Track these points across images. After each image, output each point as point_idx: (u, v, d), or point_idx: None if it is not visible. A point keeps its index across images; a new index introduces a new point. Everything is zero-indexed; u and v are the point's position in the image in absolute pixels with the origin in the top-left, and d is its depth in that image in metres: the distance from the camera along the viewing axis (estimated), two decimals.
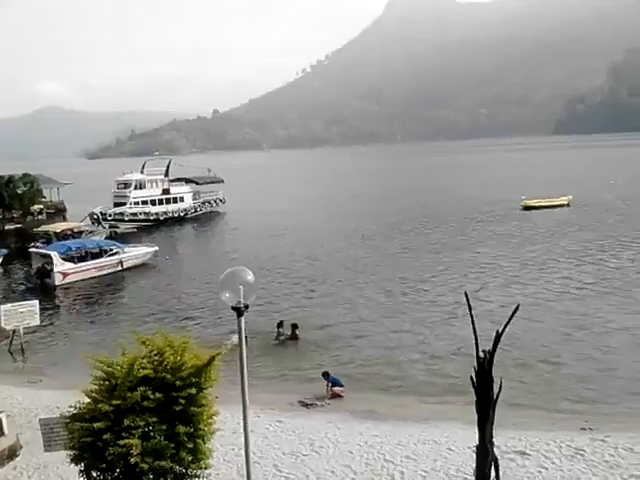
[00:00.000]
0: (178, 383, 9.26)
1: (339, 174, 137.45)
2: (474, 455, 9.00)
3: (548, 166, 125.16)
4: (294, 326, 24.80)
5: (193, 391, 9.29)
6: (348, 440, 14.89)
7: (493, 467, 8.74)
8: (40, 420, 12.51)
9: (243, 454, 9.50)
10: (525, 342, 22.19)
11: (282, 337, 24.58)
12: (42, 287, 37.55)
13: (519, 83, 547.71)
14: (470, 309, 9.01)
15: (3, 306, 25.35)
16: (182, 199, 73.46)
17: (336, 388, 18.68)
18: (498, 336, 8.52)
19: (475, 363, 8.61)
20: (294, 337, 24.54)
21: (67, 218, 64.98)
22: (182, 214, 71.64)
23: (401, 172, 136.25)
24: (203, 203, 76.30)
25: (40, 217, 64.07)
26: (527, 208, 60.61)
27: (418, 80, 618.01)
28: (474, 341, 8.64)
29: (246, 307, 8.68)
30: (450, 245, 44.56)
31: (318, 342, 24.37)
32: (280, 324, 24.90)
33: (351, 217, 61.58)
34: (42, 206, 68.05)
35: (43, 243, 46.98)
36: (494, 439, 8.76)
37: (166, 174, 75.11)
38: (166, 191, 72.35)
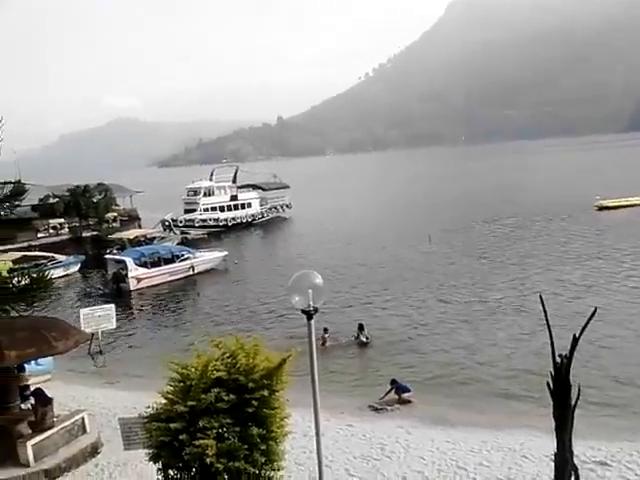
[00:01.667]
0: (251, 385, 9.37)
1: (403, 177, 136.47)
2: (551, 464, 8.73)
3: (622, 164, 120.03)
4: (361, 328, 24.80)
5: (265, 393, 9.39)
6: (419, 446, 14.73)
7: (573, 477, 8.45)
8: (119, 419, 12.93)
9: (314, 457, 9.53)
10: (603, 347, 21.38)
11: (359, 340, 24.57)
12: (118, 292, 38.90)
13: (587, 80, 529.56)
14: (545, 312, 8.76)
15: (82, 310, 26.46)
16: (250, 205, 74.69)
17: (405, 394, 18.53)
18: (575, 340, 8.24)
19: (551, 368, 8.35)
20: (365, 341, 24.51)
21: (142, 225, 67.05)
22: (250, 220, 72.83)
23: (466, 174, 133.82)
24: (270, 209, 77.34)
25: (114, 224, 66.31)
26: (602, 208, 58.37)
27: (481, 80, 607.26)
28: (550, 345, 8.38)
29: (315, 310, 8.70)
30: (520, 248, 43.44)
31: (387, 346, 24.22)
32: (360, 328, 24.92)
33: (417, 221, 61.04)
34: (116, 214, 70.46)
35: (118, 250, 48.63)
36: (573, 448, 8.47)
37: (234, 181, 76.63)
38: (234, 197, 73.77)
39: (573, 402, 8.33)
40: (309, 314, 8.68)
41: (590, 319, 8.12)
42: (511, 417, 16.96)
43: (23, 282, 13.83)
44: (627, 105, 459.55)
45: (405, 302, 31.13)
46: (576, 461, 8.49)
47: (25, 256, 42.90)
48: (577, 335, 8.29)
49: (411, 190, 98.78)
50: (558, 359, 8.34)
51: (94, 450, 14.89)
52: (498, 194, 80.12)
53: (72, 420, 15.08)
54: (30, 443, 13.80)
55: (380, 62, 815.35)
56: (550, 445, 8.70)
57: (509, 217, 58.42)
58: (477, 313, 28.16)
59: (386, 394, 18.55)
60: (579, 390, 8.26)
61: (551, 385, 8.44)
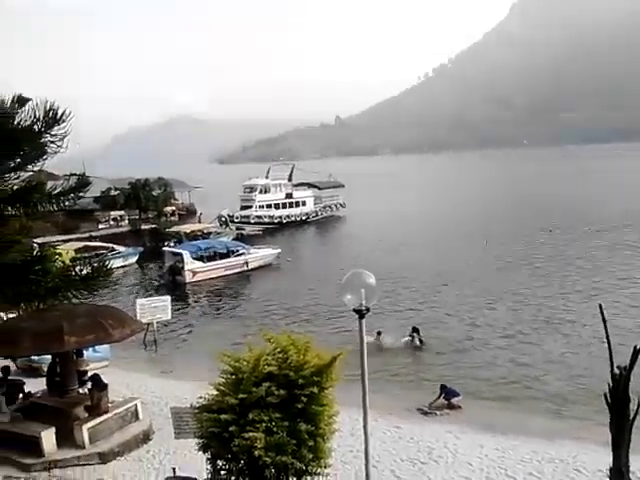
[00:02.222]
0: (301, 381, 9.43)
1: (461, 180, 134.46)
2: (605, 479, 8.47)
3: None
4: (416, 331, 24.63)
5: (315, 390, 9.43)
6: (467, 451, 14.52)
7: None
8: (171, 409, 13.22)
9: (361, 456, 9.53)
10: None
11: (414, 343, 24.41)
12: (173, 284, 39.73)
13: None
14: (604, 322, 8.50)
15: (139, 300, 27.20)
16: (304, 203, 75.07)
17: (454, 399, 18.30)
18: (636, 352, 7.97)
19: (610, 380, 8.10)
20: (419, 345, 24.34)
21: (201, 219, 68.22)
22: (304, 218, 73.23)
23: (527, 178, 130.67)
24: (324, 207, 77.51)
25: (172, 218, 67.71)
26: None
27: (545, 83, 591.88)
28: (609, 356, 8.13)
29: (367, 310, 8.69)
30: (580, 255, 42.19)
31: (440, 350, 23.99)
32: (415, 331, 24.77)
33: (474, 224, 60.03)
34: (174, 208, 71.96)
35: (175, 243, 49.63)
36: (630, 464, 8.19)
37: (289, 179, 77.19)
38: (289, 195, 74.31)
39: (632, 415, 8.07)
40: (361, 313, 8.67)
41: None
42: (564, 428, 16.51)
43: (85, 271, 14.27)
44: None
45: (459, 306, 30.70)
46: (632, 477, 8.23)
47: (86, 246, 44.25)
48: (638, 347, 8.03)
49: (468, 193, 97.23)
50: (617, 371, 8.10)
51: (146, 437, 15.29)
52: (560, 200, 78.05)
53: (126, 407, 15.53)
54: (86, 426, 14.29)
55: (441, 62, 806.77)
56: (605, 459, 8.43)
57: (571, 224, 56.76)
58: (533, 321, 27.50)
59: (436, 399, 18.36)
60: (639, 403, 8.00)
61: (609, 397, 8.19)
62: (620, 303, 28.92)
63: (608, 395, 8.19)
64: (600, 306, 9.61)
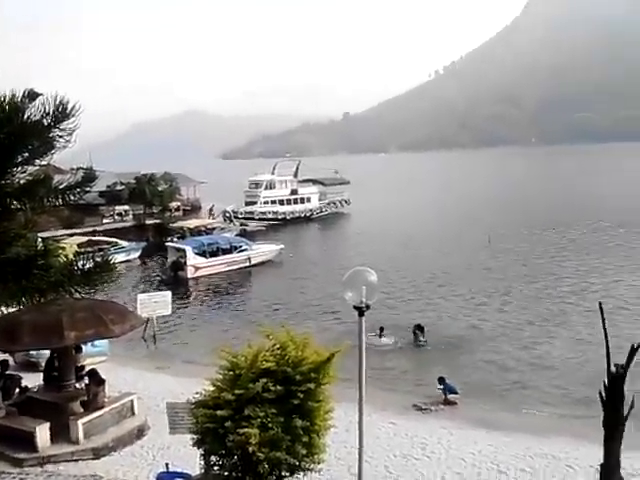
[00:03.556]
0: (298, 377, 9.47)
1: (468, 178, 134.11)
2: (597, 475, 8.50)
3: None
4: (420, 329, 24.63)
5: (312, 386, 9.48)
6: (461, 447, 14.59)
7: None
8: (167, 404, 13.27)
9: (355, 452, 9.55)
10: None
11: (417, 341, 24.40)
12: (175, 279, 39.77)
13: None
14: (603, 321, 8.55)
15: (140, 295, 27.21)
16: (309, 200, 75.06)
17: (451, 396, 18.33)
18: (633, 350, 8.00)
19: (605, 377, 8.11)
20: (422, 343, 24.35)
21: (213, 213, 68.20)
22: (308, 214, 73.22)
23: (534, 176, 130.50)
24: (329, 204, 77.48)
25: (177, 214, 67.78)
26: None
27: (554, 81, 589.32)
28: (606, 354, 8.14)
29: (367, 307, 8.71)
30: (585, 254, 42.09)
31: (439, 346, 24.02)
32: (419, 328, 24.75)
33: (478, 221, 59.93)
34: (179, 203, 72.02)
35: (178, 238, 49.71)
36: (620, 459, 8.21)
37: (295, 175, 77.19)
38: (294, 192, 74.30)
39: (625, 413, 8.08)
40: (361, 310, 8.70)
41: None
42: (558, 424, 16.64)
43: (87, 265, 14.30)
44: None
45: (460, 303, 30.81)
46: (623, 473, 8.24)
47: (90, 240, 44.30)
48: (636, 345, 8.04)
49: (473, 191, 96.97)
50: (614, 369, 8.12)
51: (141, 432, 15.36)
52: (567, 198, 77.93)
53: (122, 402, 15.59)
54: (81, 421, 14.35)
55: (452, 59, 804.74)
56: (597, 455, 8.46)
57: (576, 222, 56.63)
58: (533, 318, 27.60)
59: (440, 392, 18.36)
60: (632, 401, 8.02)
61: (604, 395, 8.21)
62: (620, 302, 28.93)
63: (603, 392, 8.21)
64: (600, 305, 9.63)
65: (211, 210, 69.13)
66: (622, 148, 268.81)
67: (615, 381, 8.14)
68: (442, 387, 18.45)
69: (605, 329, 8.36)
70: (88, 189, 14.62)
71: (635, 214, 58.20)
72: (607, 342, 8.27)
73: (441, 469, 13.41)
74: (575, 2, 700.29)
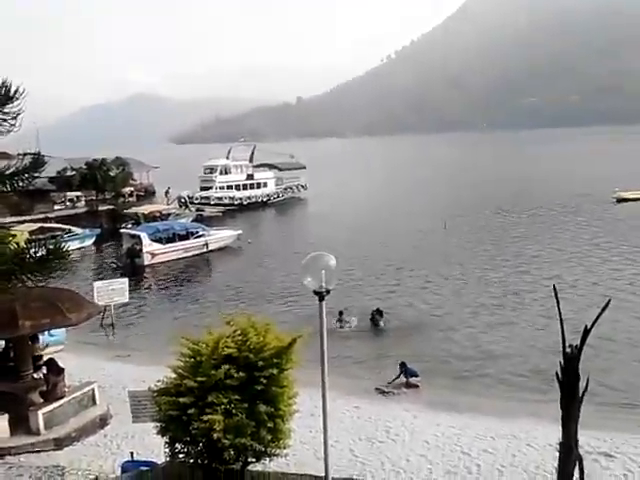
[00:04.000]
0: (260, 363, 9.49)
1: (421, 162, 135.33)
2: (555, 453, 8.75)
3: None
4: (380, 313, 24.87)
5: (274, 371, 9.50)
6: (424, 430, 14.84)
7: (577, 466, 8.47)
8: (129, 392, 13.12)
9: (320, 437, 9.62)
10: (614, 339, 21.30)
11: (377, 325, 24.63)
12: (132, 266, 39.16)
13: (613, 70, 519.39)
14: (558, 303, 8.71)
15: (96, 283, 26.77)
16: (265, 185, 74.63)
17: (412, 379, 18.61)
18: (587, 331, 8.21)
19: (561, 358, 8.34)
20: (382, 326, 24.59)
21: (169, 196, 67.02)
22: (265, 199, 72.86)
23: (485, 161, 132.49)
24: (285, 189, 77.22)
25: (130, 199, 66.57)
26: (620, 200, 57.82)
27: (504, 67, 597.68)
28: (561, 336, 8.36)
29: (327, 292, 8.71)
30: (538, 238, 43.06)
31: (399, 330, 24.31)
32: (378, 312, 24.97)
33: (433, 206, 60.73)
34: (132, 188, 70.69)
35: (133, 224, 48.89)
36: (578, 438, 8.48)
37: (250, 160, 76.60)
38: (250, 176, 73.76)
39: (581, 393, 8.33)
40: (321, 295, 8.68)
41: (603, 311, 8.08)
42: (518, 405, 17.04)
43: (40, 253, 13.97)
44: None
45: (419, 287, 31.17)
46: (581, 451, 8.51)
47: (42, 227, 43.28)
48: (589, 326, 8.26)
49: (428, 175, 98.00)
50: (568, 350, 8.33)
51: (103, 421, 15.18)
52: (516, 183, 79.31)
53: (82, 391, 15.36)
54: (41, 412, 14.08)
55: (403, 45, 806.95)
56: (555, 434, 8.72)
57: (526, 206, 57.86)
58: (490, 301, 28.14)
59: (396, 377, 18.64)
60: (587, 381, 8.26)
61: (560, 375, 8.43)
62: (573, 284, 29.79)
63: (559, 373, 8.43)
64: (554, 287, 9.88)
65: (167, 193, 68.10)
66: (569, 133, 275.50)
67: (570, 362, 8.34)
68: (403, 371, 18.70)
69: (560, 311, 8.53)
70: (37, 175, 14.29)
71: (583, 199, 60.01)
72: (562, 324, 8.45)
73: (405, 451, 13.62)
74: None
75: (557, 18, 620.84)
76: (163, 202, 64.20)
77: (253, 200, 71.12)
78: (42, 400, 14.45)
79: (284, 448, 9.70)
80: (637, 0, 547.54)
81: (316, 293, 8.69)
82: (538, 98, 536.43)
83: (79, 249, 44.44)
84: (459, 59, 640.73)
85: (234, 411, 9.17)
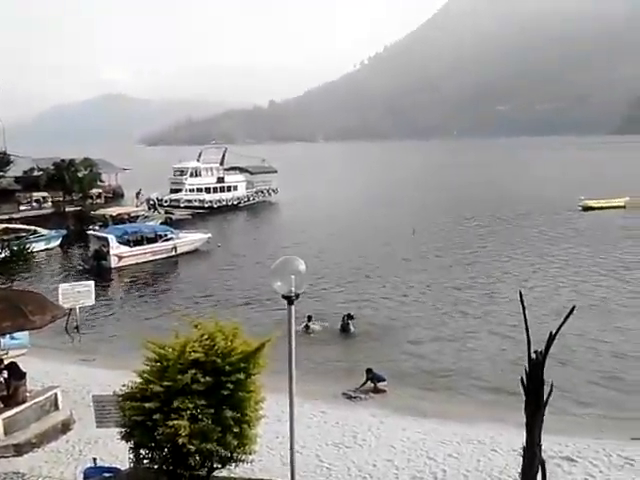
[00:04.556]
0: (227, 368, 9.39)
1: (393, 168, 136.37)
2: (519, 458, 8.83)
3: (610, 166, 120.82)
4: (350, 317, 24.88)
5: (242, 376, 9.41)
6: (391, 435, 14.88)
7: (539, 471, 8.57)
8: (93, 397, 12.90)
9: (287, 442, 9.58)
10: (577, 346, 21.70)
11: (348, 329, 24.57)
12: (98, 269, 38.58)
13: (582, 81, 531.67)
14: (524, 308, 8.79)
15: (61, 285, 26.31)
16: (236, 188, 74.30)
17: (380, 384, 18.67)
18: (552, 337, 8.30)
19: (526, 364, 8.44)
20: (352, 331, 24.59)
21: (140, 198, 66.16)
22: (235, 203, 72.55)
23: (457, 168, 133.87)
24: (256, 192, 76.99)
25: (98, 201, 65.78)
26: (586, 209, 59.07)
27: (477, 75, 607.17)
28: (526, 342, 8.45)
29: (297, 296, 8.69)
30: (505, 244, 43.78)
31: (367, 335, 24.35)
32: (349, 317, 24.94)
33: (403, 212, 61.13)
34: (101, 190, 69.88)
35: (100, 226, 48.23)
36: (541, 443, 8.58)
37: (221, 163, 76.20)
38: (221, 179, 73.31)
39: (545, 398, 8.43)
40: (290, 300, 8.66)
41: (568, 317, 8.18)
42: (483, 410, 17.21)
43: (3, 254, 13.71)
44: (619, 107, 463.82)
45: (388, 293, 31.26)
46: (544, 456, 8.61)
47: (6, 228, 42.40)
48: (554, 332, 8.37)
49: (398, 181, 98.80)
50: (534, 355, 8.43)
51: (66, 427, 14.88)
52: (485, 190, 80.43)
53: (45, 396, 15.05)
54: (1, 417, 13.76)
55: (377, 51, 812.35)
56: (519, 439, 8.81)
57: (494, 213, 58.80)
58: (457, 307, 28.37)
59: (363, 383, 18.68)
60: (552, 387, 8.36)
61: (525, 381, 8.52)
62: (538, 290, 30.27)
63: (524, 379, 8.53)
64: (520, 293, 9.94)
65: (138, 195, 67.46)
66: (539, 142, 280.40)
67: (535, 367, 8.44)
68: (370, 377, 18.75)
69: (525, 317, 8.63)
70: (1, 174, 14.04)
71: (550, 207, 61.06)
72: (527, 329, 8.54)
73: (372, 457, 13.63)
74: None
75: (530, 29, 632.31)
76: (133, 204, 63.55)
77: (223, 203, 70.76)
78: (2, 405, 14.12)
79: (250, 454, 9.62)
80: (606, 14, 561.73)
81: (285, 297, 8.67)
82: (510, 106, 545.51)
83: (45, 250, 43.83)
84: (433, 66, 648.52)
85: (200, 416, 9.07)
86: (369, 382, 18.69)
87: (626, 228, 49.20)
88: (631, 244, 42.11)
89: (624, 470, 12.92)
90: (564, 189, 74.69)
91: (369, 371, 18.90)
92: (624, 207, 60.16)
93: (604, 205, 59.45)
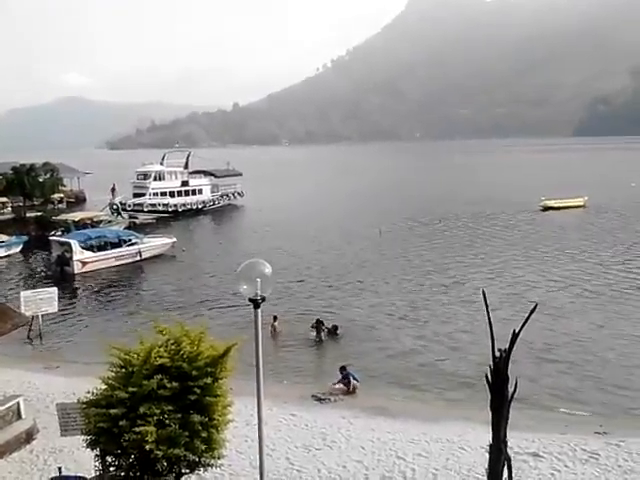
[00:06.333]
0: (194, 373, 9.35)
1: (357, 171, 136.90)
2: (486, 455, 8.97)
3: (568, 167, 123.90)
4: (320, 323, 24.83)
5: (209, 381, 9.38)
6: (360, 436, 14.93)
7: (506, 467, 8.69)
8: (57, 405, 12.65)
9: (256, 446, 9.55)
10: (540, 343, 22.07)
11: (320, 336, 24.44)
12: (61, 275, 37.90)
13: (540, 84, 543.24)
14: (487, 307, 8.92)
15: (23, 292, 25.75)
16: (201, 191, 73.72)
17: (354, 382, 18.69)
18: (515, 335, 8.44)
19: (491, 362, 8.55)
20: (328, 334, 24.53)
21: (115, 193, 65.22)
22: (200, 206, 71.96)
23: (419, 171, 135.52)
24: (221, 196, 76.56)
25: (60, 206, 64.55)
26: (546, 209, 60.32)
27: (438, 79, 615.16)
28: (490, 340, 8.57)
29: (263, 299, 8.68)
30: (468, 245, 44.38)
31: (333, 339, 24.34)
32: (320, 323, 24.86)
33: (368, 214, 61.42)
34: (62, 195, 68.60)
35: (62, 232, 47.35)
36: (507, 439, 8.71)
37: (185, 166, 75.50)
38: (185, 183, 72.68)
39: (510, 395, 8.56)
40: (256, 303, 8.64)
41: (530, 315, 8.32)
42: (452, 409, 17.41)
43: None
44: (577, 110, 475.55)
45: (353, 294, 31.39)
46: (510, 452, 8.75)
47: None
48: (517, 330, 8.50)
49: (363, 184, 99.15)
50: (498, 353, 8.55)
51: (29, 436, 14.56)
52: (447, 191, 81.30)
53: (6, 406, 14.69)
54: None
55: (339, 54, 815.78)
56: (486, 436, 8.93)
57: (456, 214, 59.52)
58: (423, 307, 28.67)
59: (339, 381, 18.67)
60: (516, 384, 8.49)
61: (489, 378, 8.63)
62: (501, 289, 30.78)
63: (489, 376, 8.64)
64: (483, 292, 10.11)
65: (113, 190, 66.41)
66: (499, 144, 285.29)
67: (499, 365, 8.57)
68: (344, 374, 18.76)
69: (489, 315, 8.75)
70: None
71: (511, 207, 62.17)
72: (491, 328, 8.66)
73: (342, 458, 13.66)
74: (455, 2, 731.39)
75: (489, 33, 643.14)
76: (107, 200, 62.74)
77: (188, 207, 70.12)
78: None
79: (219, 458, 9.58)
80: (563, 18, 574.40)
81: (251, 301, 8.65)
82: (470, 110, 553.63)
83: (5, 257, 43.05)
84: (395, 69, 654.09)
85: (167, 422, 9.01)
86: (343, 380, 18.68)
87: (583, 228, 50.45)
88: (588, 242, 43.16)
89: (589, 464, 13.20)
90: (524, 191, 75.92)
91: (343, 368, 18.93)
92: (583, 206, 61.70)
93: (563, 205, 60.77)
